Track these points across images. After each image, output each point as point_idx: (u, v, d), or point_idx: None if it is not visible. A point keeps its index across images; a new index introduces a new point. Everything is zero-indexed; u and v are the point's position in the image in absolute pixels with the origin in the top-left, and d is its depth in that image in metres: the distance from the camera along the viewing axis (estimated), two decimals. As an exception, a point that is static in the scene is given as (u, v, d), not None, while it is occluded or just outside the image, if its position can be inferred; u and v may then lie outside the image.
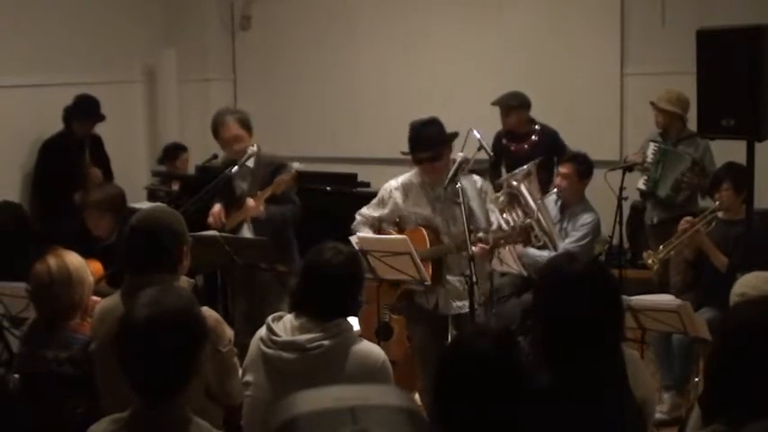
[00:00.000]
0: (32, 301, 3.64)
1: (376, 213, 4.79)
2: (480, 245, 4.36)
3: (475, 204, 4.57)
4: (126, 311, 2.46)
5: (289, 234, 5.29)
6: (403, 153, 4.68)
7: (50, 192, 6.87)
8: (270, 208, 5.08)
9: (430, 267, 4.55)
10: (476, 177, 4.70)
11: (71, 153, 6.78)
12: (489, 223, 4.59)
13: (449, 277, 4.60)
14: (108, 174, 7.07)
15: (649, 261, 5.44)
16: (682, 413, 5.07)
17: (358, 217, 4.84)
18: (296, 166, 5.15)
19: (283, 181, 5.06)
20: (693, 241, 5.31)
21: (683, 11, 7.04)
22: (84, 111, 6.83)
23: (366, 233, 4.73)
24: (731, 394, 2.27)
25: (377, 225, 4.79)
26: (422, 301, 4.68)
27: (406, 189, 4.70)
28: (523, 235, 4.46)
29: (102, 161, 7.06)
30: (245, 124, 5.22)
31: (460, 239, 4.39)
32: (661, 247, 5.44)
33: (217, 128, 5.23)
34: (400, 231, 4.69)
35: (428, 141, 4.54)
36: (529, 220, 5.28)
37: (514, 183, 5.73)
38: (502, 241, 4.44)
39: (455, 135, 4.64)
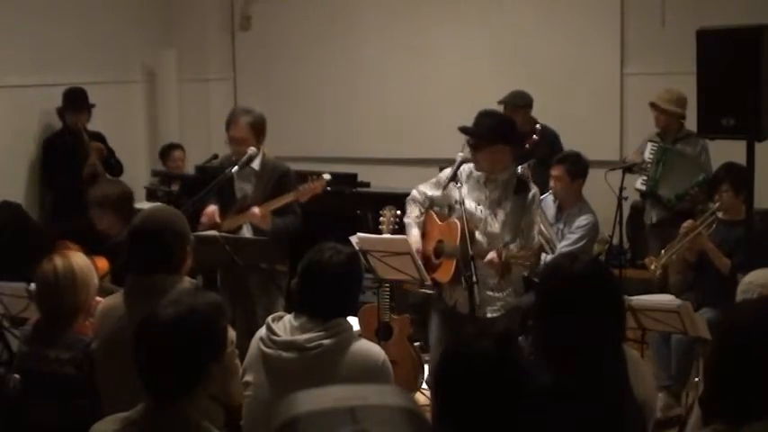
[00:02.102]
0: (36, 301, 3.63)
1: (429, 192, 4.70)
2: (492, 255, 4.25)
3: (514, 215, 4.47)
4: (151, 309, 2.44)
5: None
6: (460, 129, 4.57)
7: (57, 189, 6.90)
8: (275, 221, 5.03)
9: (453, 265, 4.46)
10: (532, 187, 4.62)
11: (71, 147, 6.79)
12: (530, 237, 4.46)
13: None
14: (118, 166, 7.13)
15: (652, 267, 5.39)
16: (674, 413, 5.08)
17: (413, 191, 4.75)
18: (326, 176, 5.08)
19: (311, 189, 4.99)
20: (695, 244, 5.30)
21: (683, 11, 7.04)
22: (74, 102, 6.88)
23: (413, 211, 4.67)
24: (731, 394, 2.26)
25: (427, 204, 4.69)
26: (445, 295, 4.61)
27: (465, 176, 4.57)
28: (534, 259, 4.37)
29: (109, 155, 7.11)
30: (256, 129, 5.14)
31: (487, 243, 4.33)
32: (662, 251, 5.41)
33: (227, 124, 5.18)
34: (442, 219, 4.62)
35: (475, 128, 4.49)
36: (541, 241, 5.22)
37: None
38: (512, 260, 4.27)
39: (519, 144, 4.60)
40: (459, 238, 4.42)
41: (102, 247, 4.94)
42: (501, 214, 4.47)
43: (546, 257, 5.48)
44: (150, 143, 8.32)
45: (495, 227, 4.41)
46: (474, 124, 4.52)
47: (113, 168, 7.09)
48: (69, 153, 6.79)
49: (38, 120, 7.06)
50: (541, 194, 5.78)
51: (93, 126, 7.06)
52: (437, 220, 4.66)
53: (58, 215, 6.78)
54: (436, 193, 4.68)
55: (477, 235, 4.44)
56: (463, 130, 4.52)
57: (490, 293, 4.46)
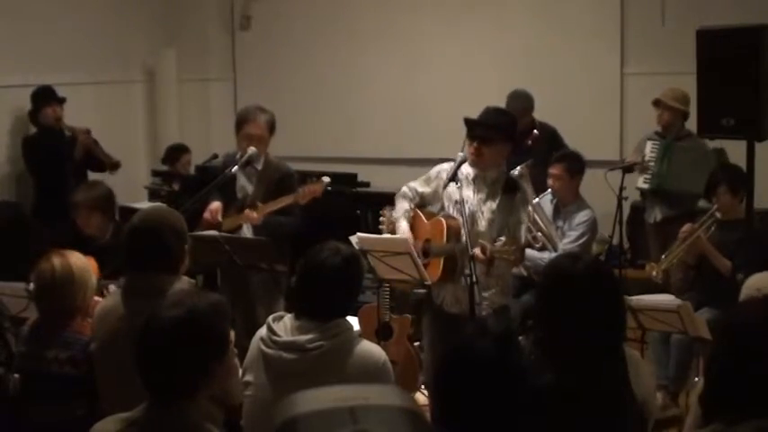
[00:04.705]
0: (34, 301, 3.63)
1: (420, 189, 4.66)
2: (477, 250, 4.21)
3: (502, 214, 4.45)
4: (154, 310, 2.44)
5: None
6: (469, 120, 4.49)
7: (41, 189, 6.82)
8: (269, 217, 5.02)
9: (441, 262, 4.47)
10: (523, 187, 4.64)
11: (52, 146, 6.68)
12: (517, 237, 4.38)
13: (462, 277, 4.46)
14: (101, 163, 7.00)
15: (654, 273, 5.37)
16: (672, 413, 5.07)
17: (404, 188, 4.71)
18: (326, 179, 5.08)
19: (310, 191, 4.99)
20: (695, 248, 5.29)
21: (683, 11, 7.04)
22: (46, 98, 6.73)
23: (403, 205, 4.64)
24: (731, 394, 2.26)
25: (417, 200, 4.65)
26: (433, 294, 4.61)
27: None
28: (518, 254, 4.29)
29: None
30: (272, 127, 5.17)
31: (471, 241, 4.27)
32: (663, 256, 5.41)
33: (244, 121, 5.14)
34: (429, 218, 4.59)
35: (487, 122, 4.42)
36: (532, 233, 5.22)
37: None
38: (497, 254, 4.22)
39: (518, 145, 4.54)
40: (446, 237, 4.43)
41: (89, 249, 4.93)
42: (487, 212, 4.45)
43: (549, 255, 5.48)
44: (150, 143, 8.32)
45: (481, 225, 4.40)
46: (484, 116, 4.46)
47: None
48: (51, 152, 6.67)
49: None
50: (539, 194, 5.80)
51: (94, 126, 7.03)
52: (424, 219, 4.64)
53: (41, 217, 6.69)
54: (426, 189, 4.65)
55: (463, 233, 4.41)
56: (473, 121, 4.45)
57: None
